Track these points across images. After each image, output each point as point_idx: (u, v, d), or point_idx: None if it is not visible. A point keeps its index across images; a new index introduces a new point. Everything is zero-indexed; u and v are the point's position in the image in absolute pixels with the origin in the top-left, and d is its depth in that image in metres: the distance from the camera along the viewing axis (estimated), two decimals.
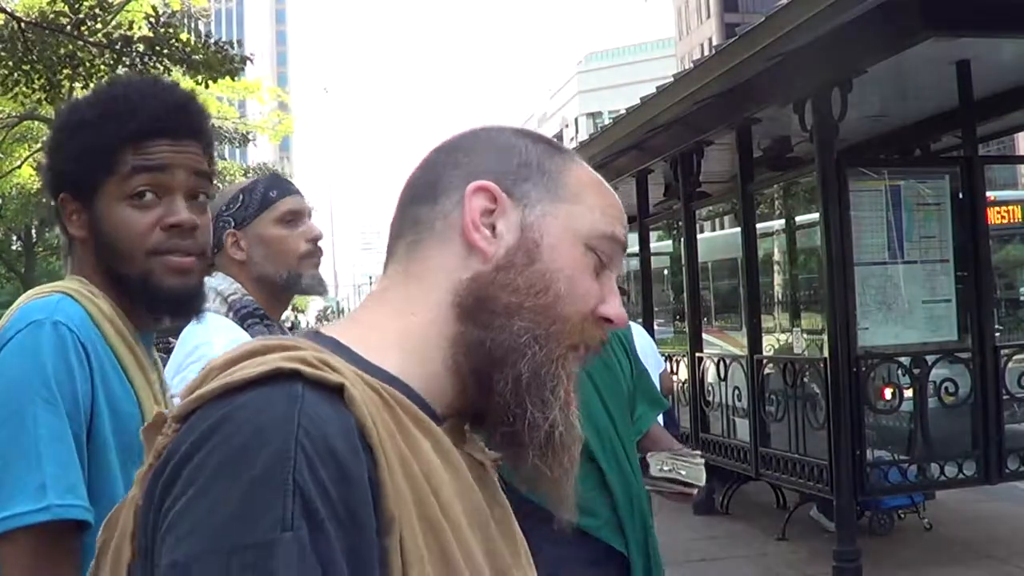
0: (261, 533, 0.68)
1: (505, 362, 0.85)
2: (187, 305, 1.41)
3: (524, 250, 0.87)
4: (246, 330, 1.90)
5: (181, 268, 1.37)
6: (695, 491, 2.41)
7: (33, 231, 29.16)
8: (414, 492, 0.76)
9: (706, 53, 6.46)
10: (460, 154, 0.92)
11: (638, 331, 4.80)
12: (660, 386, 5.61)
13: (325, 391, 0.74)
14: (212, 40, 10.63)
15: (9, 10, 10.26)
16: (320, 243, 2.08)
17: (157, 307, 1.39)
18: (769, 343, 8.02)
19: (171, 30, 10.13)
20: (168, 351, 2.03)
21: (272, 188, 2.08)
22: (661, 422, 2.88)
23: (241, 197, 2.06)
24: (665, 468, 2.39)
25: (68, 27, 9.57)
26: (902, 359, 5.77)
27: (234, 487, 0.69)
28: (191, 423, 0.75)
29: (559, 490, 0.96)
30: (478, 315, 0.85)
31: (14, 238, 30.36)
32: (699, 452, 2.48)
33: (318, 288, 2.10)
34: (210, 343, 1.77)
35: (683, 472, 2.38)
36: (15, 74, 9.88)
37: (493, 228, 0.88)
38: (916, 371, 5.70)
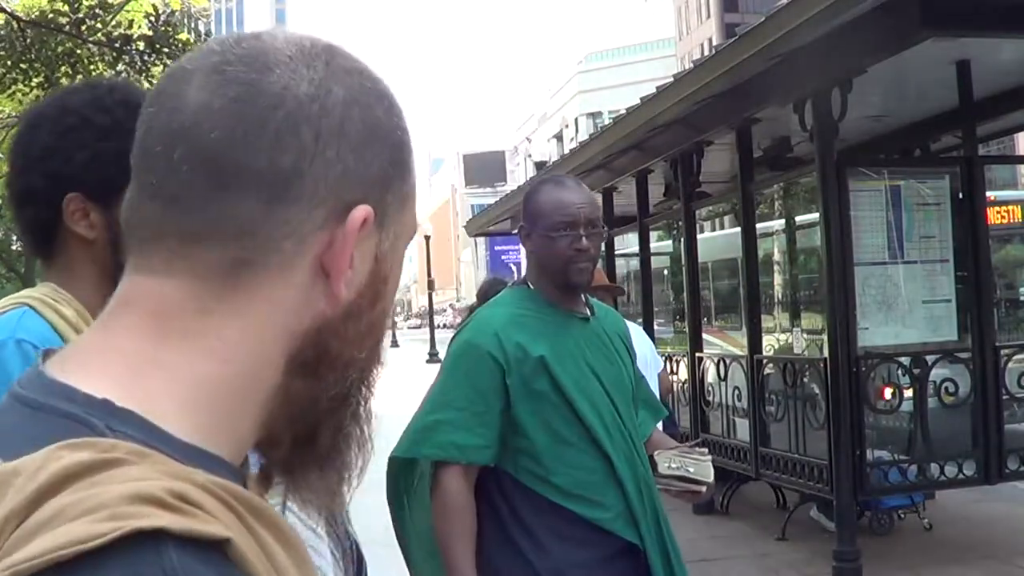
0: None
1: (331, 415, 0.69)
2: None
3: (372, 290, 0.68)
4: None
5: None
6: (704, 488, 2.40)
7: None
8: None
9: (706, 53, 6.46)
10: (323, 133, 0.63)
11: (637, 332, 4.79)
12: (659, 386, 5.61)
13: (201, 548, 0.53)
14: (212, 39, 10.64)
15: (9, 9, 10.26)
16: None
17: None
18: (769, 343, 8.03)
19: (171, 29, 10.13)
20: None
21: None
22: (660, 425, 2.88)
23: None
24: (673, 466, 2.38)
25: (67, 26, 9.57)
26: (902, 359, 5.77)
27: None
28: None
29: (333, 502, 0.76)
30: (315, 370, 0.66)
31: (14, 238, 30.35)
32: (706, 449, 2.47)
33: None
34: None
35: (691, 469, 2.37)
36: (13, 72, 9.88)
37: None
38: (916, 371, 5.69)
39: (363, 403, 0.71)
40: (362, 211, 0.64)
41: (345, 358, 0.67)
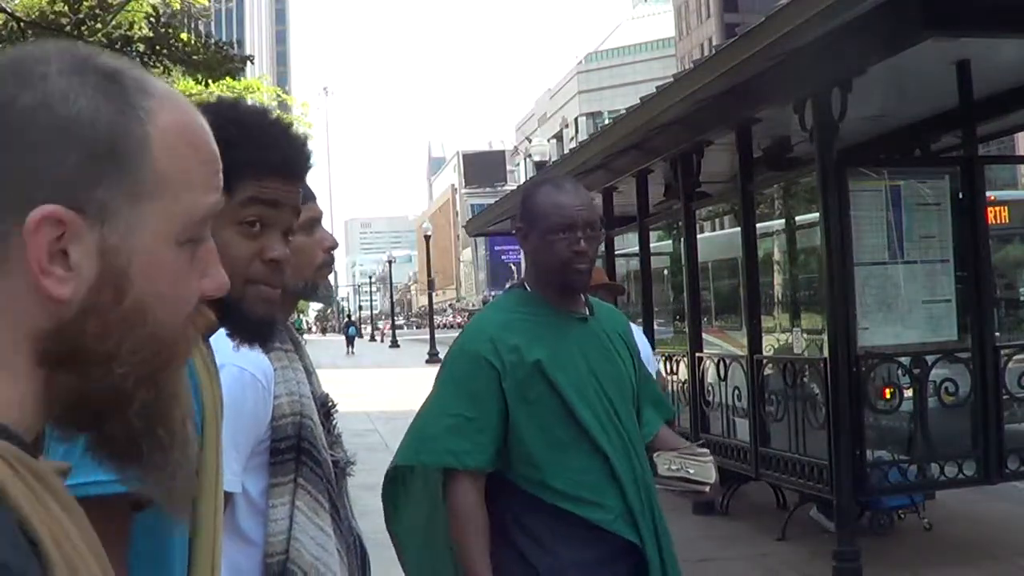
0: None
1: (111, 412, 0.70)
2: (266, 335, 1.51)
3: (111, 285, 0.68)
4: None
5: (270, 299, 1.47)
6: (706, 488, 2.40)
7: None
8: None
9: (706, 53, 6.46)
10: (5, 142, 0.66)
11: (635, 333, 4.77)
12: None
13: None
14: (212, 40, 10.64)
15: (9, 10, 10.26)
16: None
17: (240, 331, 1.46)
18: (769, 343, 8.02)
19: (171, 30, 10.14)
20: None
21: None
22: None
23: None
24: (673, 467, 2.38)
25: (68, 27, 9.58)
26: (902, 359, 5.77)
27: None
28: None
29: (172, 497, 0.78)
30: (70, 364, 0.68)
31: None
32: (707, 450, 2.47)
33: (329, 298, 2.10)
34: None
35: (692, 471, 2.38)
36: None
37: (65, 256, 0.66)
38: (916, 371, 5.69)
39: (150, 398, 0.71)
40: (39, 212, 0.65)
41: (99, 351, 0.68)
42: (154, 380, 0.71)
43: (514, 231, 2.51)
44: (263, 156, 1.42)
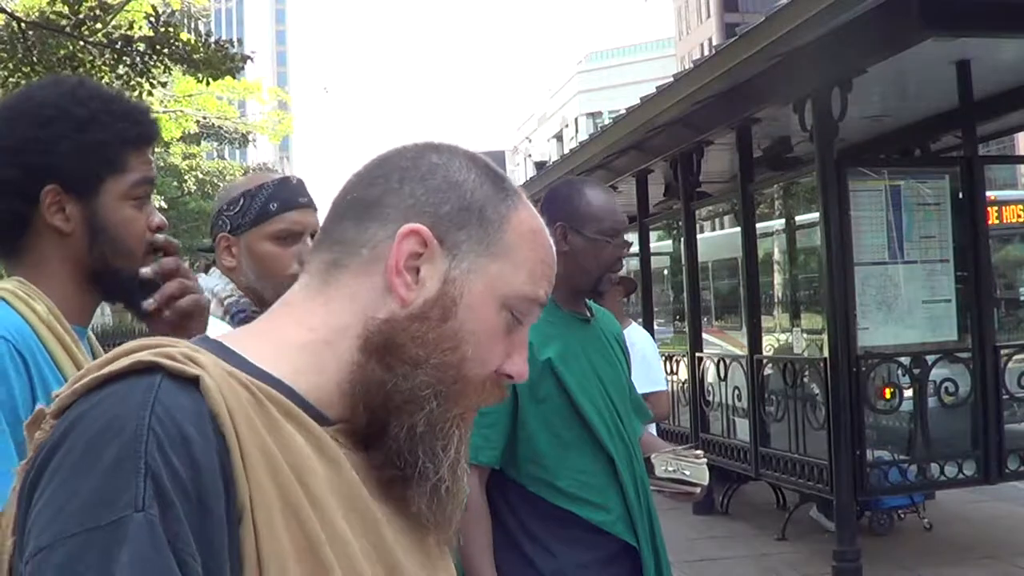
0: (114, 513, 0.71)
1: (403, 410, 0.85)
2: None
3: (441, 306, 0.86)
4: None
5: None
6: (698, 490, 2.41)
7: None
8: (277, 483, 0.77)
9: (706, 53, 6.46)
10: (406, 178, 0.89)
11: (641, 335, 4.76)
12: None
13: (182, 382, 0.77)
14: (212, 39, 10.62)
15: (9, 10, 10.25)
16: None
17: (144, 299, 1.45)
18: (769, 343, 8.02)
19: (171, 29, 10.12)
20: None
21: (274, 200, 1.94)
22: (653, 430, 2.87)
23: (242, 201, 1.95)
24: (669, 468, 2.39)
25: (68, 28, 9.56)
26: (902, 359, 5.77)
27: (91, 474, 0.72)
28: (63, 418, 0.78)
29: (439, 534, 0.92)
30: (383, 356, 0.85)
31: None
32: (701, 452, 2.48)
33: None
34: None
35: (687, 472, 2.39)
36: (15, 75, 9.87)
37: (417, 272, 0.86)
38: (916, 371, 5.70)
39: (438, 413, 0.86)
40: (412, 225, 0.86)
41: (411, 354, 0.85)
42: (445, 398, 0.86)
43: (553, 228, 2.43)
44: (138, 126, 1.41)
